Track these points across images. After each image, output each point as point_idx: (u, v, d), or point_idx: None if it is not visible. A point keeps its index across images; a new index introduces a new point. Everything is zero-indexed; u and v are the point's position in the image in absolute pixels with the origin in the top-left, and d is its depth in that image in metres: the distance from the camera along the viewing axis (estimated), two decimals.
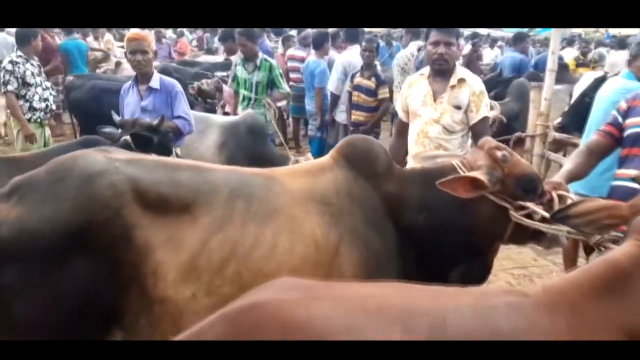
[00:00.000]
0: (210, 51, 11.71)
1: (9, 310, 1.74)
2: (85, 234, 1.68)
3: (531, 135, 4.65)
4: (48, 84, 5.22)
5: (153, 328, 1.76)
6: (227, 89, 5.87)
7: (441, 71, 3.05)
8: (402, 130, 3.26)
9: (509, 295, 1.11)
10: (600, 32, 17.29)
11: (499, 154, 2.04)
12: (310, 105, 6.55)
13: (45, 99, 5.10)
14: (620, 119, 2.43)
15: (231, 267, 1.81)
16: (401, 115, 3.30)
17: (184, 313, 1.75)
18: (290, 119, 8.00)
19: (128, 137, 2.81)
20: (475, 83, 3.04)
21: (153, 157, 2.10)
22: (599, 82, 4.16)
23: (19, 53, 5.06)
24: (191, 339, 0.96)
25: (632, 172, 1.95)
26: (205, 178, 1.90)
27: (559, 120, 4.60)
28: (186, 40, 12.40)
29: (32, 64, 5.07)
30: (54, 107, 5.21)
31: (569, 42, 10.72)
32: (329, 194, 2.00)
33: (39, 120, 5.08)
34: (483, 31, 13.10)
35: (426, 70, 3.19)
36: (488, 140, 2.17)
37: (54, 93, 5.26)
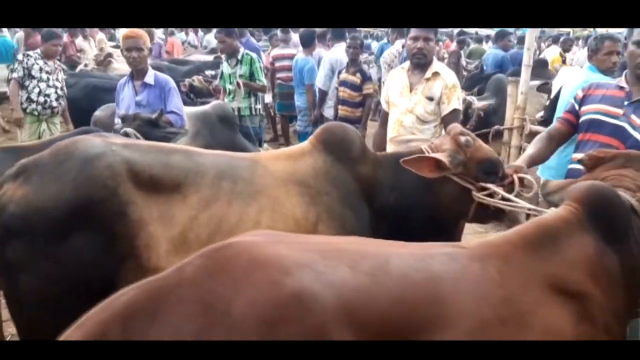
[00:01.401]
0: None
1: (15, 282, 1.92)
2: (85, 210, 1.86)
3: (509, 128, 4.81)
4: (58, 84, 5.43)
5: None
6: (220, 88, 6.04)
7: (419, 64, 3.28)
8: (385, 120, 3.49)
9: (448, 247, 1.31)
10: (589, 31, 17.38)
11: (462, 139, 2.23)
12: (299, 101, 6.70)
13: (46, 95, 5.31)
14: (577, 107, 2.61)
15: (217, 241, 1.98)
16: (384, 106, 3.54)
17: None
18: (278, 117, 8.14)
19: (128, 129, 2.99)
20: (448, 77, 3.27)
21: (146, 142, 2.27)
22: None
23: (38, 50, 5.48)
24: (176, 273, 1.16)
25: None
26: (194, 161, 2.08)
27: (541, 113, 4.79)
28: (176, 39, 12.53)
29: (45, 62, 5.32)
30: (54, 104, 5.39)
31: (555, 39, 10.88)
32: (308, 177, 2.19)
33: (35, 113, 5.30)
34: (470, 30, 13.31)
35: (407, 64, 3.41)
36: (455, 127, 2.37)
37: (60, 93, 5.46)
